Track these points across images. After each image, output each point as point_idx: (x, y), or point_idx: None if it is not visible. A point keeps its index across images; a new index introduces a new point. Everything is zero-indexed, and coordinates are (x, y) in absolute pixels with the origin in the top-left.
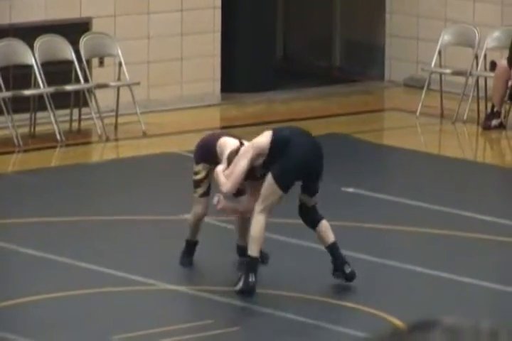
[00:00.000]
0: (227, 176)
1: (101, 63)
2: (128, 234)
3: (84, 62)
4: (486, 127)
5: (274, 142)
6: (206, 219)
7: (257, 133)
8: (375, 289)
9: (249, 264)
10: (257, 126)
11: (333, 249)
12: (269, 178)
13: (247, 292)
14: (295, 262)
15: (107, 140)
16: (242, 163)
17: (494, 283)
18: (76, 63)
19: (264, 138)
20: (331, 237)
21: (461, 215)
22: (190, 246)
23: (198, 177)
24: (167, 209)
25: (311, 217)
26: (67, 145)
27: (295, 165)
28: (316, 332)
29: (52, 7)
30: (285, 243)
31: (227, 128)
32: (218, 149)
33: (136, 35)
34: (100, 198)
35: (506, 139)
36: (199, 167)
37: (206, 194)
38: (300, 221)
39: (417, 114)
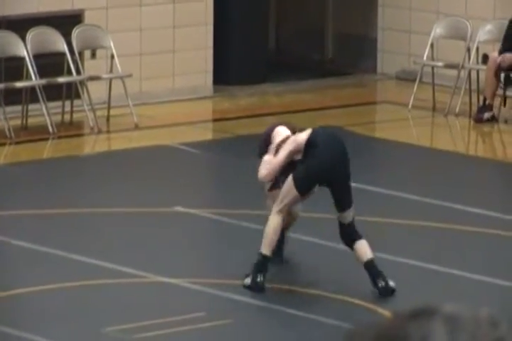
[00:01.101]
0: (265, 164)
1: (93, 55)
2: (120, 226)
3: (77, 54)
4: (478, 120)
5: (308, 142)
6: (203, 212)
7: (250, 126)
8: (368, 282)
9: (260, 263)
10: (249, 118)
11: (367, 266)
12: (289, 179)
13: (254, 291)
14: (289, 255)
15: (99, 132)
16: (280, 154)
17: (485, 275)
18: (68, 55)
19: (304, 135)
20: (365, 256)
21: (452, 208)
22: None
23: None
24: (159, 201)
25: (346, 236)
26: (59, 138)
27: (315, 172)
28: (308, 325)
29: None
30: None
31: (219, 121)
32: (273, 140)
33: (129, 27)
34: (92, 190)
35: (498, 132)
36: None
37: (274, 187)
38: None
39: (409, 106)
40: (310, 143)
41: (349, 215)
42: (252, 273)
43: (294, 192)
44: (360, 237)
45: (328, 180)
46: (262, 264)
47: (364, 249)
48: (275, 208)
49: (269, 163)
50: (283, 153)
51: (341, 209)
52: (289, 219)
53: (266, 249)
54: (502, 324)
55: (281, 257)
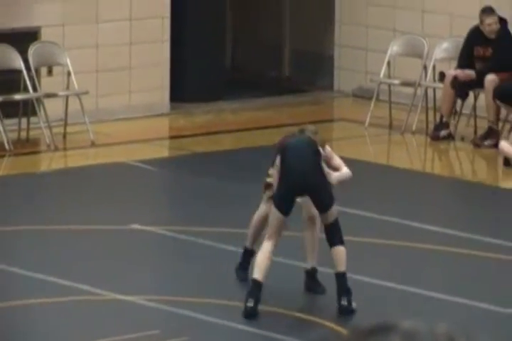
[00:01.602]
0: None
1: (50, 72)
2: (76, 243)
3: (33, 71)
4: (435, 138)
5: (281, 159)
6: (160, 230)
7: (206, 143)
8: (324, 300)
9: (250, 288)
10: (205, 136)
11: (337, 278)
12: (272, 202)
13: (245, 317)
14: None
15: (56, 149)
16: (274, 185)
17: (442, 293)
18: (25, 72)
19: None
20: (338, 267)
21: (409, 225)
22: (247, 256)
23: (269, 180)
24: (116, 218)
25: (327, 237)
26: (16, 155)
27: (286, 186)
28: None
29: (0, 16)
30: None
31: (176, 138)
32: None
33: (85, 44)
34: (48, 208)
35: (455, 150)
36: (272, 170)
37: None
38: None
39: (366, 124)
40: (281, 160)
41: (329, 216)
42: (245, 297)
43: (276, 213)
44: (338, 243)
45: (301, 190)
46: (252, 289)
47: (337, 259)
48: (266, 234)
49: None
50: (275, 183)
51: (320, 210)
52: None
53: (256, 274)
54: (460, 339)
55: (246, 271)
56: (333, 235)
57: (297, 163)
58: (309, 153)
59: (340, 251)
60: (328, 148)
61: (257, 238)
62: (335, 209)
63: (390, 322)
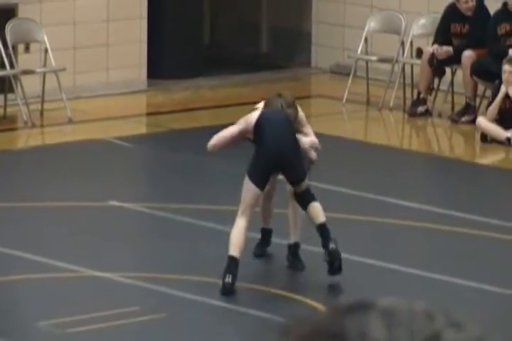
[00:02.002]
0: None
1: (27, 49)
2: (54, 220)
3: (10, 48)
4: (412, 114)
5: (256, 124)
6: (137, 206)
7: (184, 120)
8: (303, 277)
9: (227, 264)
10: (183, 112)
11: (320, 230)
12: (246, 176)
13: (223, 294)
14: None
15: (33, 126)
16: (230, 128)
17: (419, 269)
18: (2, 49)
19: (255, 116)
20: (318, 219)
21: (386, 202)
22: (264, 235)
23: None
24: (94, 195)
25: (301, 200)
26: None
27: (264, 161)
28: (240, 318)
29: None
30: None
31: (153, 115)
32: None
33: (63, 21)
34: (26, 185)
35: (432, 126)
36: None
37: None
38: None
39: (344, 100)
40: (258, 125)
41: (302, 185)
42: (222, 274)
43: (253, 188)
44: (312, 200)
45: (279, 167)
46: (229, 266)
47: (314, 212)
48: (239, 210)
49: (218, 134)
50: (233, 128)
51: (294, 183)
52: (265, 216)
53: (232, 251)
54: (439, 317)
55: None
56: (306, 196)
57: (277, 140)
58: (287, 130)
59: (315, 205)
60: (301, 114)
61: (269, 216)
62: (306, 180)
63: (368, 300)
